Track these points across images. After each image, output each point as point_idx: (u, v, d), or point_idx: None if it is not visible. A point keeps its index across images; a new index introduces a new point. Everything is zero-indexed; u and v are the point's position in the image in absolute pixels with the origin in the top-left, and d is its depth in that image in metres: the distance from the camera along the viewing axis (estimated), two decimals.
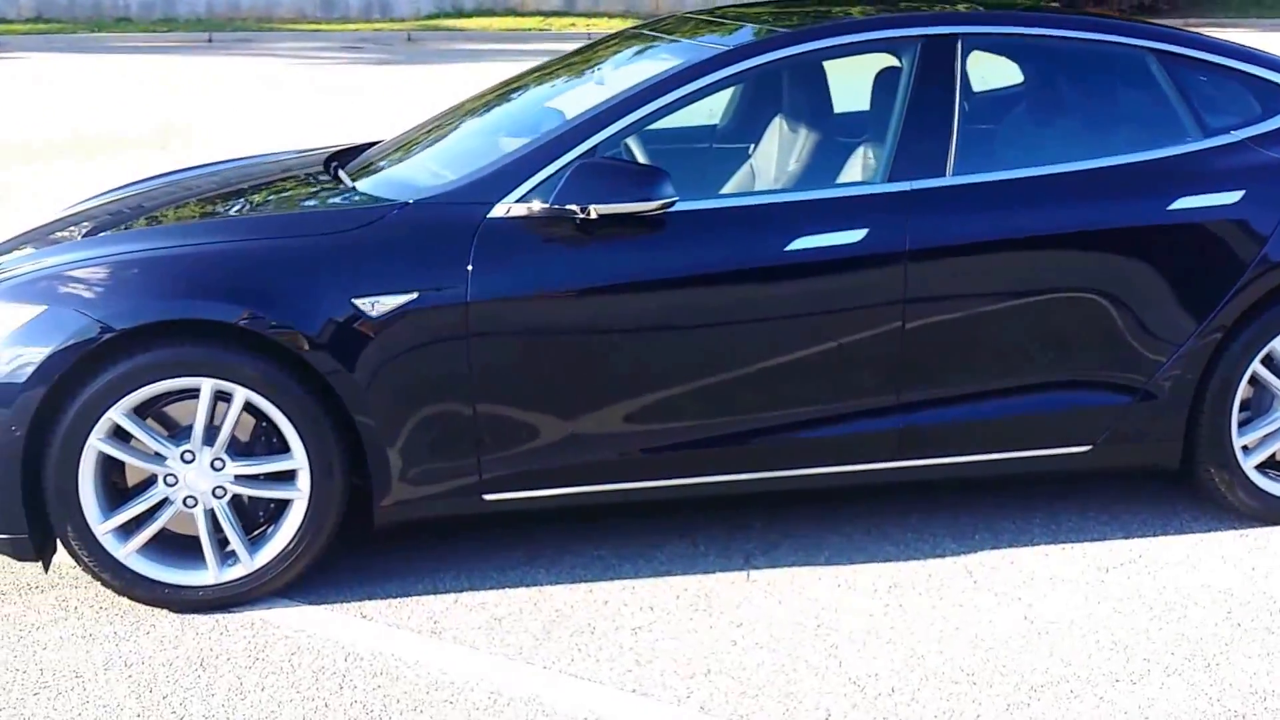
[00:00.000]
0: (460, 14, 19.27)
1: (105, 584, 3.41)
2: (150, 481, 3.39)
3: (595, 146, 3.49)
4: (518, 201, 3.42)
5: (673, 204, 3.38)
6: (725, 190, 3.84)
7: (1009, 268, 3.60)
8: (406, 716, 2.98)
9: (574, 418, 3.46)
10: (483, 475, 3.47)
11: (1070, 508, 3.98)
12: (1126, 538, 3.82)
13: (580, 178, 3.34)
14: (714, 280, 3.47)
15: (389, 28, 18.64)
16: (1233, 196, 3.68)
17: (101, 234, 3.69)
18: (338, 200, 3.75)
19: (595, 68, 4.29)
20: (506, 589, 3.55)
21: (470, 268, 3.36)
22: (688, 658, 3.21)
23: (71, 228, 3.91)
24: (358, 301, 3.32)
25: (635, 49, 4.29)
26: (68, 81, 13.36)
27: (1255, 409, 3.85)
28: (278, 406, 3.32)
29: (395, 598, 3.50)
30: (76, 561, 3.41)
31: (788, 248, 3.48)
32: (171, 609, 3.42)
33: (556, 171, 3.44)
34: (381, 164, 4.00)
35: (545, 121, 3.85)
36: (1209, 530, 3.86)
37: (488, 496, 3.51)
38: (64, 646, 3.27)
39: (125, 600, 3.46)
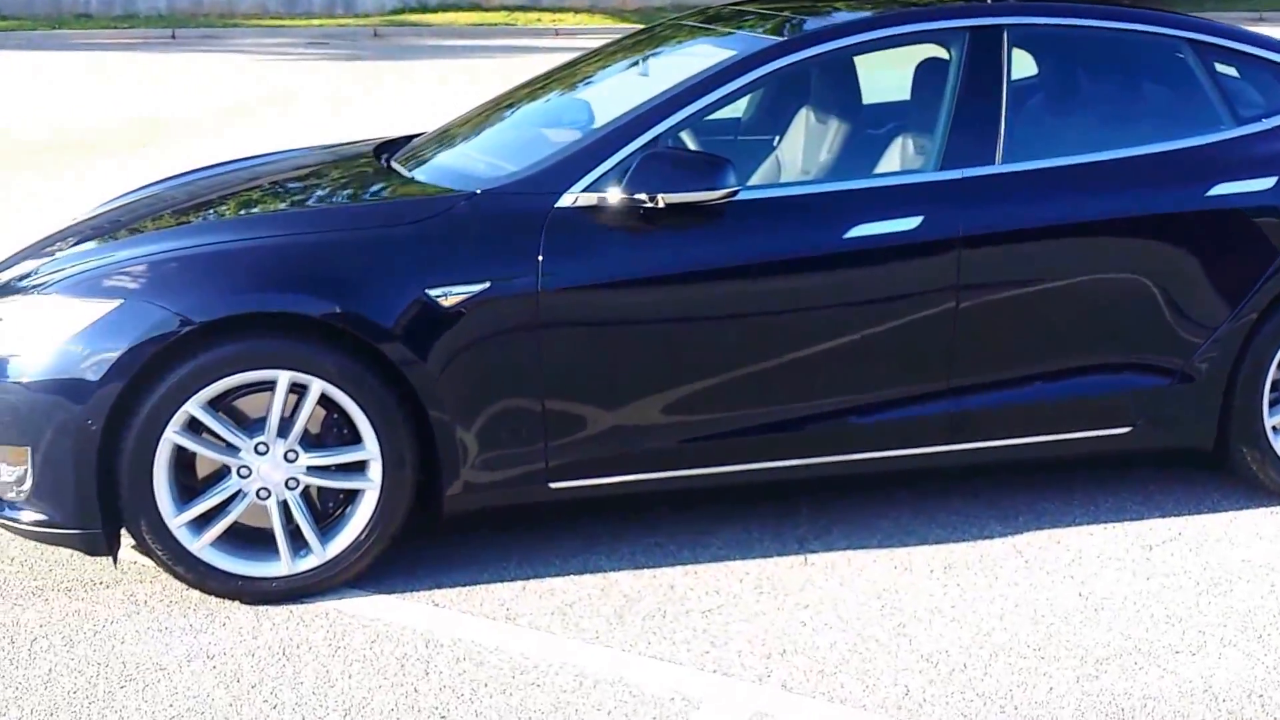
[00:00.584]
0: (425, 9, 19.22)
1: (178, 577, 3.44)
2: (221, 475, 3.42)
3: (657, 137, 3.56)
4: (584, 191, 3.48)
5: (736, 193, 3.46)
6: (780, 179, 3.92)
7: (1056, 253, 3.71)
8: (496, 699, 3.03)
9: (639, 404, 3.53)
10: (549, 463, 3.53)
11: (1106, 490, 4.10)
12: (1164, 516, 3.95)
13: (649, 167, 3.41)
14: (775, 268, 3.55)
15: (354, 23, 18.56)
16: (1267, 183, 3.82)
17: (167, 228, 3.71)
18: (401, 191, 3.79)
19: (635, 60, 4.35)
20: (571, 576, 3.61)
21: (540, 257, 3.41)
22: (761, 639, 3.29)
23: (119, 223, 3.93)
24: (431, 292, 3.36)
25: (677, 41, 4.36)
26: (38, 78, 13.22)
27: None
28: (352, 397, 3.36)
29: (463, 586, 3.55)
30: (149, 555, 3.44)
31: (846, 235, 3.57)
32: (243, 601, 3.45)
33: (621, 161, 3.50)
34: (433, 154, 4.04)
35: (593, 114, 3.92)
36: (1241, 508, 3.99)
37: (554, 484, 3.56)
38: (141, 640, 3.29)
39: (194, 594, 3.49)
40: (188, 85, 12.90)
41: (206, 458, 3.38)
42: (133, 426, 3.27)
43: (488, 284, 3.39)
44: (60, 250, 3.73)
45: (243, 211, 3.81)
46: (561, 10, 19.36)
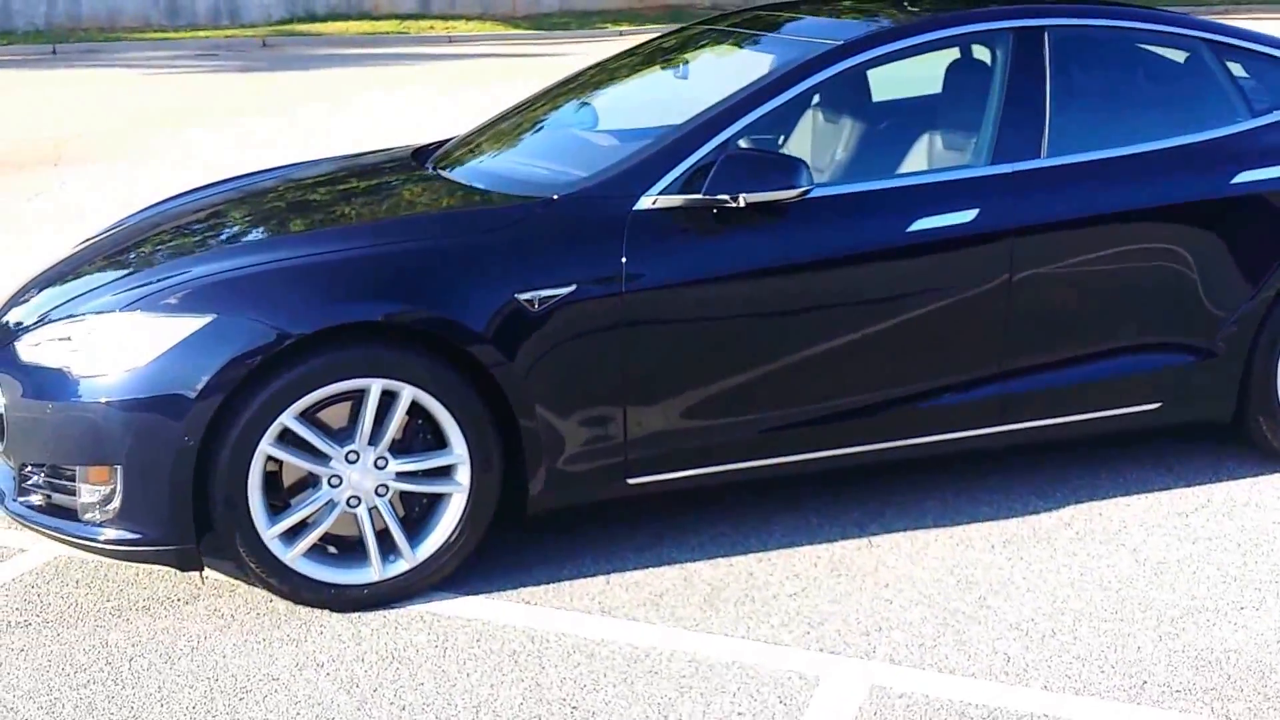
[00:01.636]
0: (313, 18, 18.98)
1: (272, 589, 3.43)
2: (310, 485, 3.41)
3: (729, 139, 3.66)
4: (662, 194, 3.56)
5: (809, 191, 3.57)
6: (842, 177, 4.04)
7: (1096, 241, 3.91)
8: (620, 689, 3.09)
9: (717, 398, 3.62)
10: (628, 458, 3.59)
11: (1129, 464, 4.31)
12: (1189, 486, 4.18)
13: (730, 168, 3.50)
14: (845, 261, 3.68)
15: (241, 34, 18.22)
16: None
17: (246, 243, 3.69)
18: (472, 198, 3.82)
19: (667, 63, 4.45)
20: (650, 569, 3.68)
21: (624, 259, 3.48)
22: (854, 617, 3.41)
23: (152, 240, 3.90)
24: (520, 296, 3.41)
25: (705, 45, 4.47)
26: None
27: None
28: (442, 403, 3.38)
29: (547, 584, 3.60)
30: (242, 569, 3.42)
31: (909, 229, 3.72)
32: (334, 609, 3.45)
33: (695, 163, 3.59)
34: (481, 160, 4.09)
35: (638, 117, 4.00)
36: (1259, 475, 4.24)
37: (631, 480, 3.63)
38: (243, 652, 3.27)
39: (279, 605, 3.48)
40: (81, 101, 12.55)
41: (298, 468, 3.38)
42: (228, 440, 3.26)
43: (574, 287, 3.45)
44: (97, 271, 3.71)
45: (317, 223, 3.80)
46: (453, 17, 19.31)
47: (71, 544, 3.45)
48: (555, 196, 3.60)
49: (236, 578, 3.60)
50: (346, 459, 3.38)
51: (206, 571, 3.57)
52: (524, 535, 3.79)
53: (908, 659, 3.22)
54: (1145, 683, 3.11)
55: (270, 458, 3.32)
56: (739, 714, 2.99)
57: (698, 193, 3.54)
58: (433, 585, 3.52)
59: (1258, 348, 4.11)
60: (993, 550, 3.78)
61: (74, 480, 3.37)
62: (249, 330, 3.25)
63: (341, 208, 3.98)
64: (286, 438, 3.33)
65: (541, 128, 4.35)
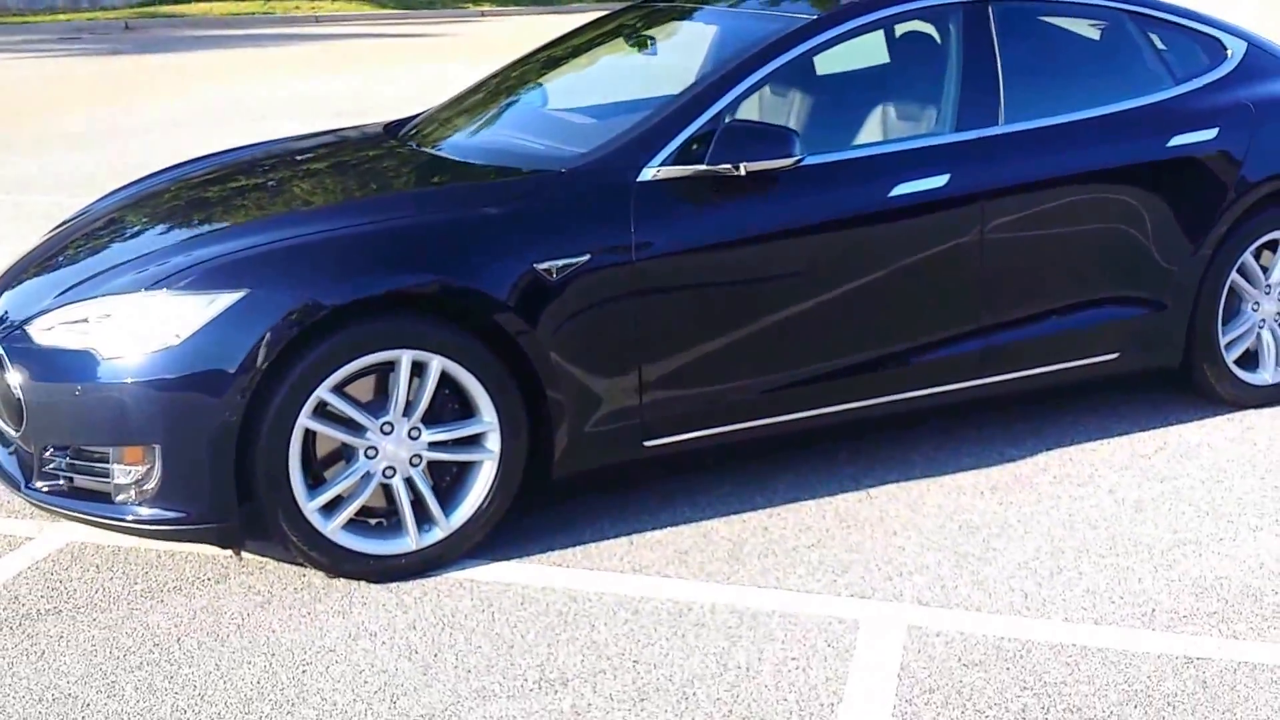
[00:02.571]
0: (175, 0, 18.45)
1: (313, 562, 3.45)
2: (338, 458, 3.45)
3: (720, 111, 3.78)
4: (663, 165, 3.67)
5: (801, 160, 3.73)
6: (820, 146, 4.19)
7: (1057, 201, 4.15)
8: (673, 641, 3.22)
9: (725, 359, 3.76)
10: (644, 420, 3.71)
11: (1086, 413, 4.59)
12: (1144, 430, 4.48)
13: (729, 139, 3.63)
14: (836, 225, 3.85)
15: (103, 16, 17.67)
16: (1211, 133, 4.38)
17: (265, 216, 3.68)
18: (470, 173, 3.88)
19: (631, 40, 4.58)
20: (668, 529, 3.81)
21: (633, 229, 3.59)
22: (875, 564, 3.60)
23: (139, 218, 3.88)
24: (539, 266, 3.49)
25: (663, 21, 4.61)
26: None
27: (1230, 312, 4.57)
28: (471, 371, 3.45)
29: (572, 547, 3.70)
30: (284, 543, 3.43)
31: (890, 194, 3.90)
32: (371, 580, 3.49)
33: (691, 136, 3.71)
34: (465, 136, 4.17)
35: (610, 92, 4.13)
36: (1204, 418, 4.56)
37: (648, 442, 3.75)
38: (292, 627, 3.30)
39: (313, 579, 3.51)
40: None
41: (334, 440, 3.41)
42: (267, 415, 3.27)
43: (588, 256, 3.54)
44: (99, 252, 3.70)
45: (336, 197, 3.81)
46: None
47: (103, 525, 3.42)
48: (563, 170, 3.69)
49: (264, 554, 3.61)
50: (381, 430, 3.43)
51: (216, 553, 3.58)
52: (540, 501, 3.87)
53: (934, 599, 3.41)
54: (1154, 611, 3.36)
55: (308, 431, 3.35)
56: (792, 659, 3.14)
57: (697, 163, 3.67)
58: (465, 553, 3.59)
59: (1200, 299, 4.43)
60: (983, 496, 4.00)
61: (104, 461, 3.35)
62: (284, 304, 3.26)
63: (349, 182, 4.00)
64: (322, 411, 3.36)
65: (514, 104, 4.42)
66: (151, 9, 18.16)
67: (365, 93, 12.38)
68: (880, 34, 4.38)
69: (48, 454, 3.44)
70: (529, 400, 3.56)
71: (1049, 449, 4.34)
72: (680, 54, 4.64)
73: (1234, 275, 4.49)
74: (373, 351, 3.35)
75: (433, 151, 4.14)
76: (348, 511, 3.43)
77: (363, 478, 3.44)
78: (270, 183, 4.02)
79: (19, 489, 3.54)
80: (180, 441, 3.25)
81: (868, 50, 4.53)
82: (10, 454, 3.60)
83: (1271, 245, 4.56)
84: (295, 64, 13.70)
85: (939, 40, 4.27)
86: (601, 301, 3.58)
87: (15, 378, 3.42)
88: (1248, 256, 4.50)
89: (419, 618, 3.34)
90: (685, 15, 4.77)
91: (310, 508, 3.37)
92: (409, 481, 3.49)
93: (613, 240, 3.58)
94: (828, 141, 4.22)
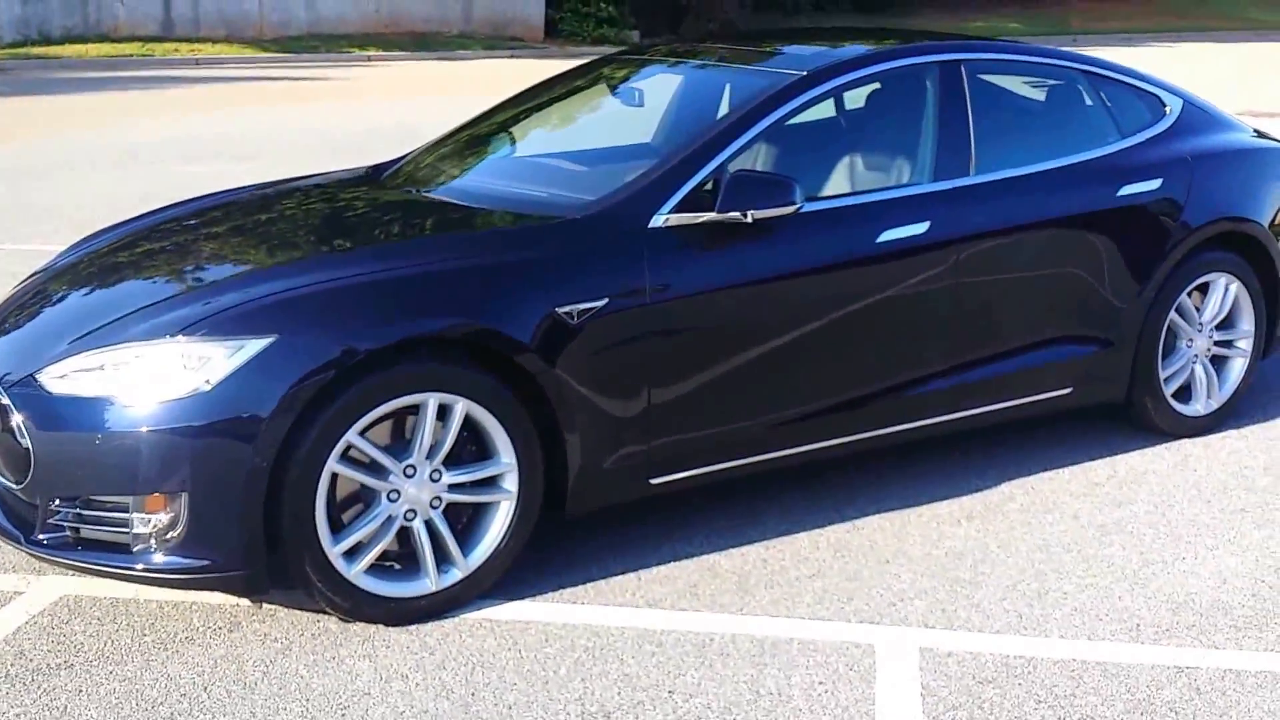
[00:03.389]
0: (48, 41, 17.98)
1: (335, 607, 3.46)
2: (355, 501, 3.48)
3: (723, 162, 3.95)
4: (672, 212, 3.82)
5: (801, 207, 3.91)
6: (813, 195, 4.37)
7: (1022, 246, 4.41)
8: (703, 672, 3.32)
9: (731, 396, 3.91)
10: (652, 459, 3.82)
11: (1035, 446, 4.85)
12: (1091, 460, 4.75)
13: (736, 188, 3.79)
14: (831, 269, 4.04)
15: None
16: (1155, 183, 4.71)
17: (284, 261, 3.71)
18: (493, 217, 3.97)
19: (612, 91, 4.73)
20: (671, 564, 3.91)
21: (647, 273, 3.72)
22: (876, 591, 3.76)
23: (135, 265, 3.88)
24: (560, 310, 3.59)
25: (639, 74, 4.77)
26: None
27: (1168, 349, 4.89)
28: (493, 413, 3.52)
29: (581, 584, 3.78)
30: (306, 588, 3.43)
31: (878, 240, 4.11)
32: (389, 623, 3.52)
33: (697, 185, 3.87)
34: (456, 182, 4.28)
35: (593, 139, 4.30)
36: (1145, 448, 4.87)
37: (653, 480, 3.86)
38: (320, 672, 3.31)
39: (328, 624, 3.52)
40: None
41: (360, 484, 3.44)
42: (296, 460, 3.29)
43: (606, 300, 3.65)
44: (98, 297, 3.73)
45: (353, 242, 3.86)
46: (197, 40, 18.69)
47: (118, 576, 3.40)
48: (578, 216, 3.80)
49: (269, 601, 3.61)
50: (404, 473, 3.47)
51: (219, 597, 3.57)
52: (541, 540, 3.94)
53: (938, 622, 3.59)
54: (1138, 625, 3.59)
55: (334, 475, 3.38)
56: (820, 683, 3.28)
57: (705, 210, 3.82)
58: (479, 593, 3.64)
59: (1144, 337, 4.74)
60: (960, 525, 4.21)
61: (122, 511, 3.32)
62: (314, 349, 3.30)
63: (358, 226, 4.06)
64: (347, 455, 3.40)
65: (503, 150, 4.53)
66: (24, 50, 17.65)
67: (244, 134, 12.28)
68: (864, 89, 4.61)
69: (54, 505, 3.40)
70: (544, 441, 3.64)
71: (1010, 479, 4.58)
72: (654, 100, 4.81)
73: (1173, 314, 4.81)
74: (401, 395, 3.41)
75: (436, 197, 4.22)
76: (371, 555, 3.46)
77: (385, 521, 3.48)
78: (275, 227, 4.05)
79: (19, 543, 3.49)
80: (210, 489, 3.25)
81: (851, 101, 4.77)
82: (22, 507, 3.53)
83: (1203, 287, 4.90)
84: (173, 106, 13.51)
85: (917, 95, 4.50)
86: (617, 343, 3.69)
87: (22, 428, 3.38)
88: (1184, 297, 4.83)
89: (446, 658, 3.38)
90: (652, 66, 4.94)
91: (335, 552, 3.40)
92: (428, 523, 3.54)
93: (629, 284, 3.70)
94: (819, 189, 4.41)
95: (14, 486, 3.48)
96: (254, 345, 3.29)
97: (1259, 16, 30.97)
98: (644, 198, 3.85)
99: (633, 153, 4.55)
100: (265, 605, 3.62)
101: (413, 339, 3.41)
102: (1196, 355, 4.95)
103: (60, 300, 3.83)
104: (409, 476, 3.48)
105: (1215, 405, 5.00)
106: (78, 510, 3.38)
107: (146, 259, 3.97)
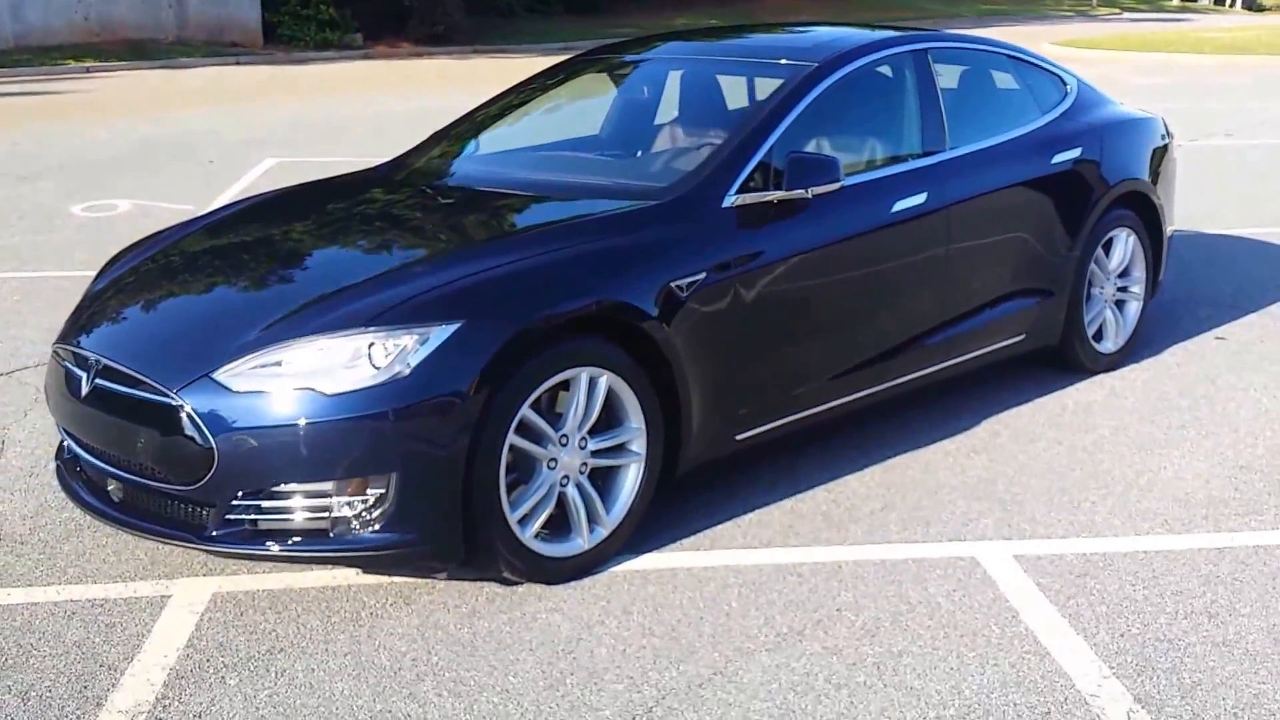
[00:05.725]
0: None
1: (513, 570, 3.69)
2: (531, 470, 3.74)
3: (771, 148, 4.38)
4: (738, 193, 4.23)
5: (843, 182, 4.40)
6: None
7: (990, 211, 5.06)
8: (852, 594, 3.75)
9: (800, 353, 4.36)
10: (738, 416, 4.22)
11: (990, 390, 5.52)
12: (1041, 397, 5.46)
13: (796, 169, 4.24)
14: (863, 235, 4.57)
15: None
16: (1077, 151, 5.47)
17: (431, 255, 3.92)
18: (579, 205, 4.27)
19: (618, 86, 5.13)
20: (764, 509, 4.31)
21: (729, 248, 4.12)
22: (947, 513, 4.29)
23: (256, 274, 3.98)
24: (674, 283, 3.94)
25: (637, 69, 5.15)
26: None
27: (1088, 298, 5.67)
28: (627, 382, 3.84)
29: (692, 535, 4.12)
30: (490, 556, 3.64)
31: (892, 210, 4.66)
32: (550, 582, 3.78)
33: (755, 167, 4.30)
34: (502, 171, 4.71)
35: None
36: (1073, 384, 5.62)
37: (738, 436, 4.26)
38: (523, 628, 3.53)
39: (491, 589, 3.73)
40: None
41: (525, 454, 3.68)
42: (485, 435, 3.51)
43: (704, 273, 4.03)
44: (247, 294, 3.87)
45: (483, 235, 4.08)
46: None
47: (315, 561, 3.56)
48: (668, 200, 4.16)
49: (406, 576, 3.80)
50: (559, 443, 3.74)
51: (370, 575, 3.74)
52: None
53: (1012, 535, 4.16)
54: (1166, 520, 4.28)
55: (511, 448, 3.61)
56: (954, 591, 3.78)
57: (766, 190, 4.25)
58: (616, 550, 3.94)
59: (1074, 287, 5.49)
60: (971, 458, 4.81)
61: (317, 497, 3.45)
62: (494, 332, 3.53)
63: (461, 221, 4.29)
64: (520, 429, 3.64)
65: (528, 145, 4.85)
66: None
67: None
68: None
69: (236, 501, 3.48)
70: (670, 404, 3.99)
71: (987, 418, 5.22)
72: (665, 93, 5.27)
73: (1092, 265, 5.59)
74: (563, 370, 3.68)
75: (500, 190, 4.57)
76: (540, 520, 3.71)
77: (549, 488, 3.74)
78: (361, 226, 4.34)
79: (191, 543, 3.55)
80: (416, 468, 3.43)
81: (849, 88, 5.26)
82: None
83: (1108, 241, 5.71)
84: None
85: (901, 81, 5.06)
86: (715, 312, 4.06)
87: (203, 429, 3.44)
88: (1099, 250, 5.62)
89: (628, 604, 3.68)
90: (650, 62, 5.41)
91: (513, 519, 3.63)
92: (579, 487, 3.82)
93: (719, 258, 4.09)
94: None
95: (183, 489, 3.52)
96: (442, 331, 3.49)
97: (929, 6, 33.68)
98: (715, 181, 4.25)
99: (651, 139, 4.99)
100: (409, 580, 3.79)
101: (571, 317, 3.69)
102: (1106, 301, 5.76)
103: (177, 302, 3.86)
104: (563, 446, 3.75)
105: (1121, 343, 5.83)
106: (258, 503, 3.48)
107: (255, 257, 4.05)
